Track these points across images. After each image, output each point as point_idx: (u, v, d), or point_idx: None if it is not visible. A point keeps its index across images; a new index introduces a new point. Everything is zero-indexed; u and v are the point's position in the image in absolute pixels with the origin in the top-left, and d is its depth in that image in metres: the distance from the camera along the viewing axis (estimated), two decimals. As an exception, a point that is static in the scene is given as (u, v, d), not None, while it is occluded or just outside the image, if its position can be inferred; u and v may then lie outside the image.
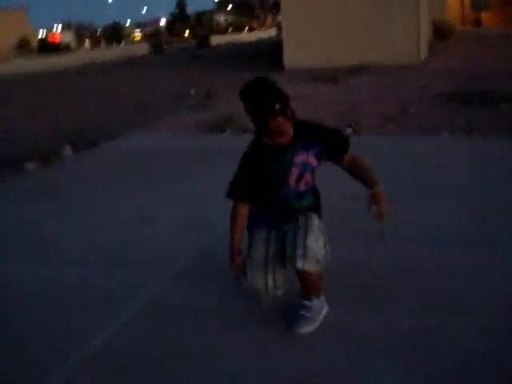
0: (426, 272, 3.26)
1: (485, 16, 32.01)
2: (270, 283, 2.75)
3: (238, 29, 76.48)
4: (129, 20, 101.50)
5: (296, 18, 16.70)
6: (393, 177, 5.06)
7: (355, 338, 2.67)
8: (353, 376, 2.43)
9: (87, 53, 50.37)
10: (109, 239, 4.21)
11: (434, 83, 11.22)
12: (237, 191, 2.79)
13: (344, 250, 3.29)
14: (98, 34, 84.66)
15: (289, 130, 2.68)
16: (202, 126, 8.74)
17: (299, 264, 2.59)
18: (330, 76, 13.25)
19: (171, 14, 79.54)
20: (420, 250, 3.56)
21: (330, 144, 2.78)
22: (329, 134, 2.84)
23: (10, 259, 4.01)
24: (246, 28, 78.90)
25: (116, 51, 47.02)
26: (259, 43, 32.08)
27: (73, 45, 71.61)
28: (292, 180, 2.74)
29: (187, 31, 72.47)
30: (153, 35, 68.44)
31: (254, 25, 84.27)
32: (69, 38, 76.52)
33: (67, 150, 7.49)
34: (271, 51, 21.57)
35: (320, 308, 2.81)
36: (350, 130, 7.47)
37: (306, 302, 2.78)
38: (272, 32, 47.49)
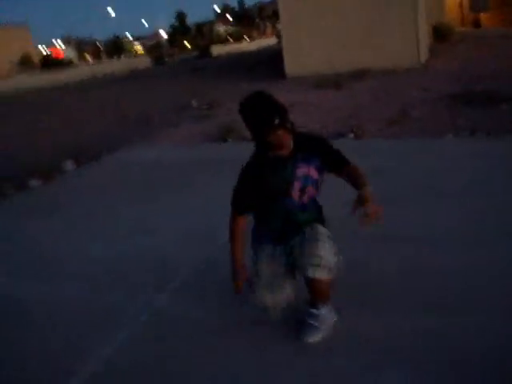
0: (426, 272, 3.26)
1: (484, 17, 32.03)
2: (279, 298, 2.73)
3: (239, 38, 76.94)
4: (129, 34, 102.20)
5: (295, 25, 16.75)
6: (395, 178, 5.05)
7: (355, 338, 2.67)
8: (353, 376, 2.44)
9: (89, 67, 50.67)
10: (110, 252, 4.21)
11: (436, 85, 11.20)
12: (237, 203, 2.78)
13: (344, 251, 3.27)
14: (99, 48, 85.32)
15: (289, 142, 2.68)
16: (205, 136, 8.74)
17: (311, 273, 2.57)
18: (332, 82, 13.25)
19: (171, 26, 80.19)
20: (420, 250, 3.55)
21: (330, 157, 2.76)
22: (328, 147, 2.81)
23: (10, 275, 4.02)
24: (247, 37, 79.34)
25: (117, 65, 47.33)
26: (260, 52, 32.26)
27: (74, 60, 72.16)
28: (295, 193, 2.73)
29: (188, 42, 72.94)
30: (154, 48, 68.96)
31: (254, 34, 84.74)
32: (70, 52, 77.16)
33: (69, 165, 7.49)
34: (272, 60, 21.66)
35: (327, 316, 2.79)
36: (352, 135, 7.41)
37: (314, 311, 2.76)
38: (272, 41, 47.72)
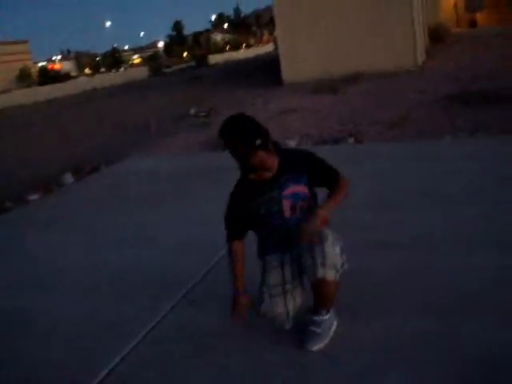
0: (426, 272, 3.25)
1: (479, 16, 32.16)
2: (291, 306, 2.72)
3: (236, 46, 77.14)
4: (127, 46, 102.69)
5: (291, 32, 16.82)
6: (395, 180, 5.04)
7: (356, 340, 2.66)
8: (353, 377, 2.43)
9: (88, 80, 50.85)
10: (111, 263, 4.20)
11: (433, 87, 11.22)
12: (230, 230, 2.78)
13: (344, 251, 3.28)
14: (97, 60, 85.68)
15: (273, 163, 2.67)
16: (204, 144, 8.77)
17: (319, 273, 2.51)
18: (329, 87, 13.28)
19: (168, 37, 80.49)
20: (420, 251, 3.54)
21: (317, 174, 2.74)
22: (315, 162, 2.77)
23: (11, 286, 4.03)
24: (244, 45, 79.55)
25: (116, 77, 47.51)
26: (257, 59, 32.36)
27: (73, 73, 72.43)
28: (286, 212, 2.71)
29: (185, 52, 73.19)
30: (151, 58, 69.18)
31: (251, 41, 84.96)
32: (69, 66, 77.49)
33: (68, 178, 7.49)
34: (269, 66, 21.71)
35: (330, 322, 2.74)
36: (351, 140, 7.40)
37: (316, 318, 2.70)
38: (270, 47, 47.85)
